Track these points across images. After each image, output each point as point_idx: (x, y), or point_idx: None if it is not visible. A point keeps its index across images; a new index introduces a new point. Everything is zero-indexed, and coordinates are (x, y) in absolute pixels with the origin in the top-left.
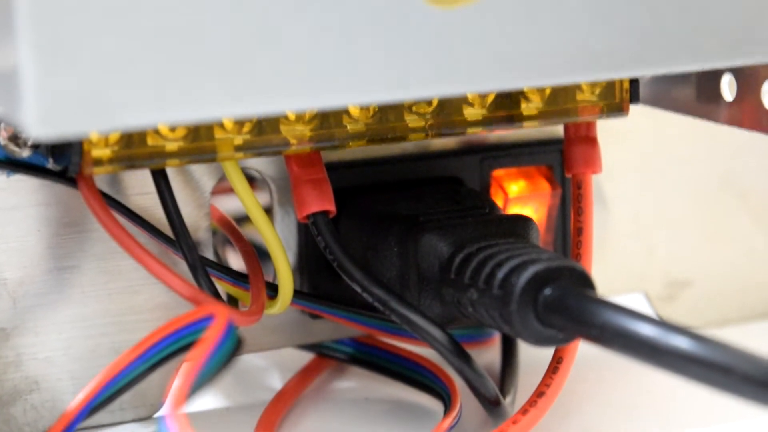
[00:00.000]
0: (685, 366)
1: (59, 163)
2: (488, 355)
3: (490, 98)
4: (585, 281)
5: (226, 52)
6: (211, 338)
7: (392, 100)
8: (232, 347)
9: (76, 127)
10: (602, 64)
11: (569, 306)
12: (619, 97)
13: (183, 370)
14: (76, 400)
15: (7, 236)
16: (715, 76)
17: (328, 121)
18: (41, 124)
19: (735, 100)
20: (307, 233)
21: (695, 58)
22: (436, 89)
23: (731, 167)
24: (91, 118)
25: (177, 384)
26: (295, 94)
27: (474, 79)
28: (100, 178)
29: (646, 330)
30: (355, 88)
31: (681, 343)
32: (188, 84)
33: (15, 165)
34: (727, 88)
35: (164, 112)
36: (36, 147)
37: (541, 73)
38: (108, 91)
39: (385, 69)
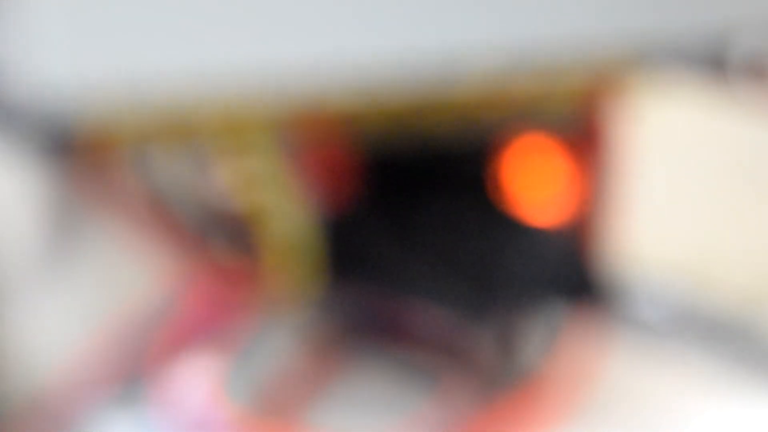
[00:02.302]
0: None
1: (66, 138)
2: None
3: None
4: None
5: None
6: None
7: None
8: None
9: (83, 96)
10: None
11: None
12: None
13: None
14: None
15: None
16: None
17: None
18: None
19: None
20: (326, 213)
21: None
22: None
23: (756, 156)
24: (94, 87)
25: None
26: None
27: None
28: (109, 155)
29: None
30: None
31: None
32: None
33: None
34: None
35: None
36: (42, 120)
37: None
38: (114, 58)
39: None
